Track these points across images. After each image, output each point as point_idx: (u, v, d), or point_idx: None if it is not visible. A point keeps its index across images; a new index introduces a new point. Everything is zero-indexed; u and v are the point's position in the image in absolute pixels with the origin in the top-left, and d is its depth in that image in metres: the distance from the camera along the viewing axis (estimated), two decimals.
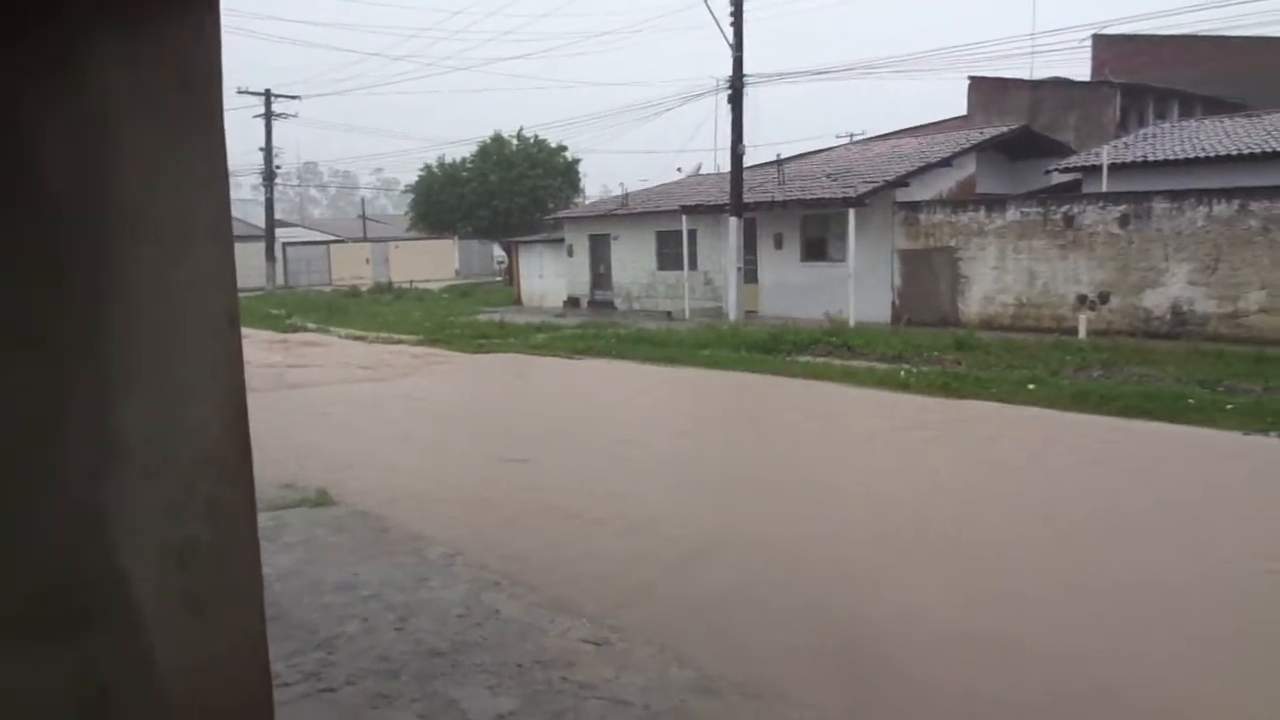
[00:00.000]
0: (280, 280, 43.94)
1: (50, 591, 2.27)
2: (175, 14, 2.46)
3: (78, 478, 2.30)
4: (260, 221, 43.40)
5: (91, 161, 2.32)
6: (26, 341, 2.24)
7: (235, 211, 2.77)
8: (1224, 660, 4.45)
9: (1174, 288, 16.57)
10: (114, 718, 2.37)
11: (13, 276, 2.22)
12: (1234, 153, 18.58)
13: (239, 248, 2.75)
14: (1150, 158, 20.00)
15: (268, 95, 40.07)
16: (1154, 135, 22.44)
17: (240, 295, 2.65)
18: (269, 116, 40.29)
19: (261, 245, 41.10)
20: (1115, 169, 19.73)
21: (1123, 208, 17.22)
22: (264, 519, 5.25)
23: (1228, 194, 16.06)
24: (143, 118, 2.40)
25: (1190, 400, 10.51)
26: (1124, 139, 23.11)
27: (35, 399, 2.25)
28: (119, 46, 2.34)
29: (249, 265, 37.15)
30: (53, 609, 2.27)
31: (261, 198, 43.14)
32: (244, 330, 2.63)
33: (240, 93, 38.55)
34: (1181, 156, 19.37)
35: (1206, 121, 22.97)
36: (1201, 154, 19.13)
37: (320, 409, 12.13)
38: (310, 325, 25.28)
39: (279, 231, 45.16)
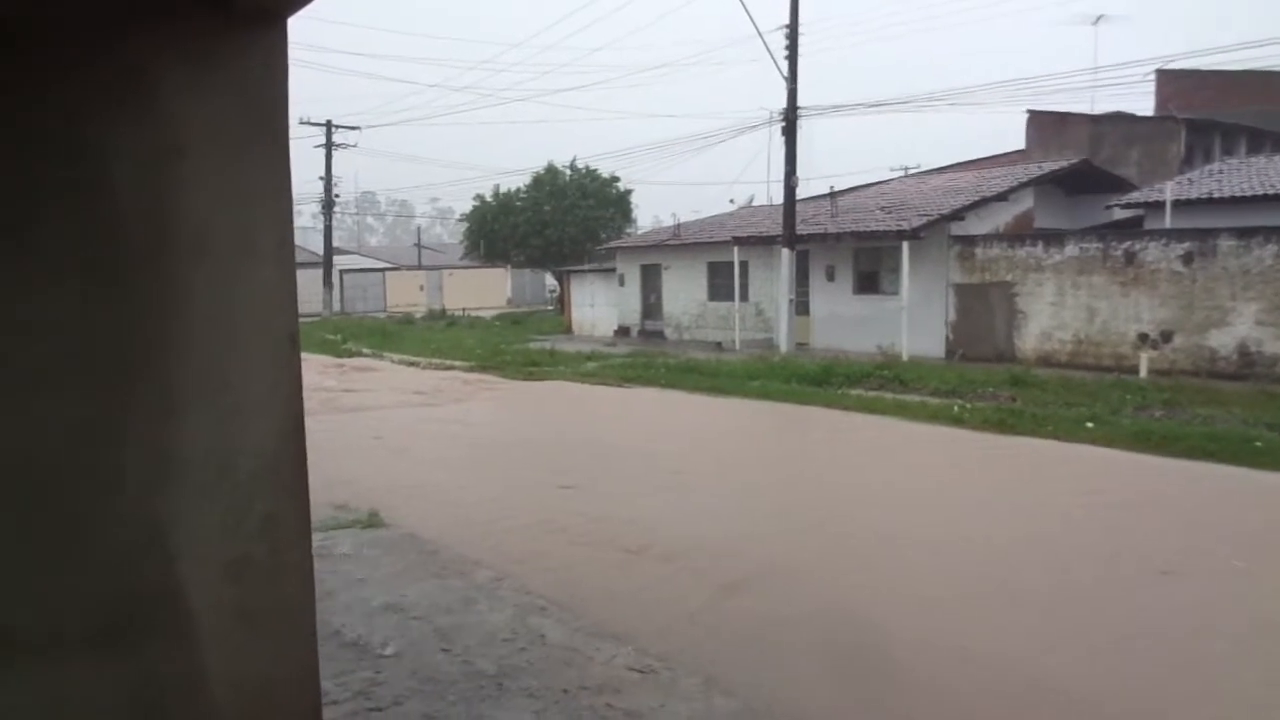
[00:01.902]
0: (336, 306, 44.79)
1: (109, 602, 2.32)
2: (244, 43, 2.53)
3: (137, 491, 2.35)
4: (319, 249, 44.33)
5: (158, 184, 2.39)
6: (91, 356, 2.30)
7: (295, 238, 2.83)
8: None
9: (1241, 327, 16.11)
10: None
11: (79, 294, 2.29)
12: None
13: (298, 274, 2.81)
14: (1216, 194, 19.55)
15: (329, 126, 41.07)
16: (1220, 171, 21.95)
17: (297, 299, 2.70)
18: (329, 146, 41.26)
19: (319, 272, 41.96)
20: (1179, 205, 19.32)
21: (1187, 245, 16.83)
22: (317, 538, 5.32)
23: None
24: (209, 143, 2.47)
25: (1258, 443, 10.17)
26: (1189, 175, 22.64)
27: (98, 413, 2.31)
28: (188, 74, 2.41)
29: (307, 291, 37.82)
30: (112, 619, 2.32)
31: (320, 225, 44.03)
32: (301, 355, 2.68)
33: (303, 123, 39.56)
34: (1249, 193, 18.91)
35: (1276, 158, 22.42)
36: (1270, 191, 18.65)
37: (373, 432, 12.29)
38: (365, 350, 25.69)
39: (336, 258, 46.08)
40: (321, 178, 41.63)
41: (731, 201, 32.09)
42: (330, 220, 42.99)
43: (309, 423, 2.72)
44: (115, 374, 2.34)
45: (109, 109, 2.31)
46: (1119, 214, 21.78)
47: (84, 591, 2.30)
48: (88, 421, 2.30)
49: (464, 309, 44.56)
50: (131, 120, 2.35)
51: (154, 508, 2.37)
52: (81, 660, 2.28)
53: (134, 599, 2.35)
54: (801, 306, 23.08)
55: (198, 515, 2.44)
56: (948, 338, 20.50)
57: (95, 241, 2.31)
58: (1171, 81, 31.22)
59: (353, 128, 41.77)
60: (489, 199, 43.27)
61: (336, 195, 42.93)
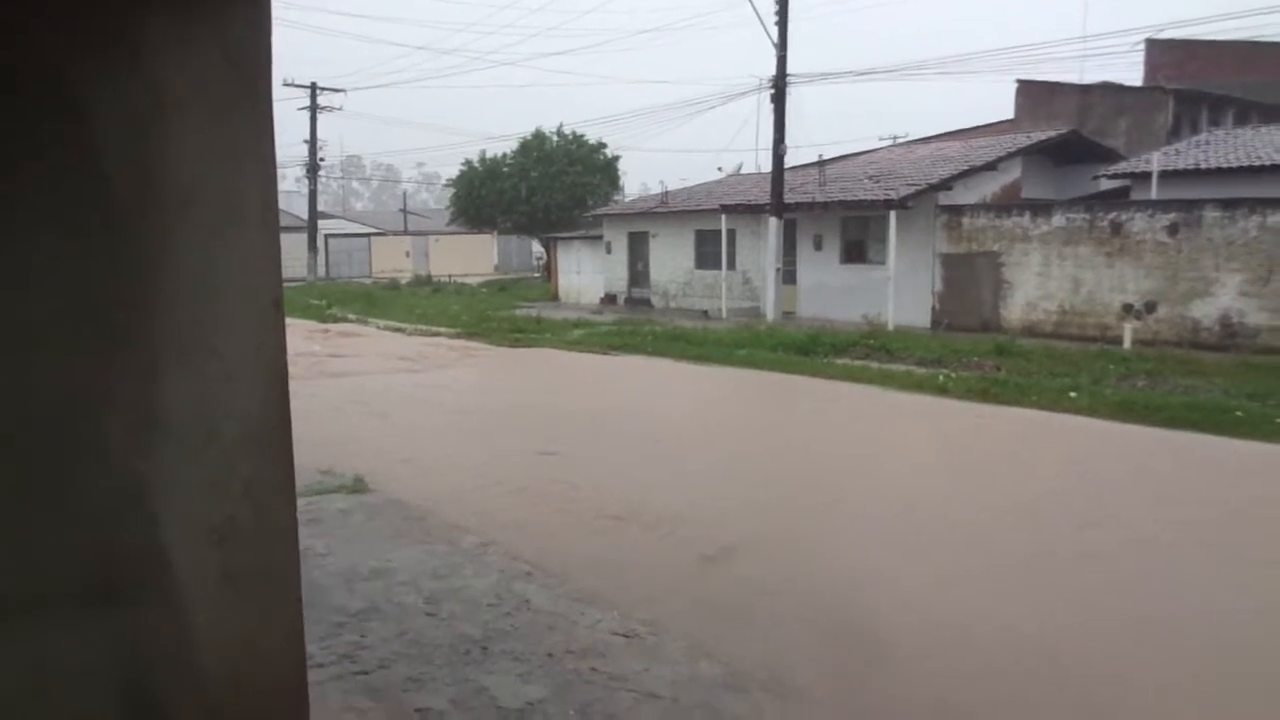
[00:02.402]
0: (321, 271, 44.47)
1: (94, 564, 2.31)
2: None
3: (122, 454, 2.34)
4: (303, 213, 43.93)
5: (143, 143, 2.35)
6: (74, 318, 2.28)
7: (279, 202, 2.80)
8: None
9: (1224, 298, 16.22)
10: (154, 689, 2.41)
11: (63, 256, 2.26)
12: None
13: (282, 238, 2.79)
14: (1203, 165, 19.60)
15: (313, 88, 40.54)
16: (1207, 142, 21.99)
17: (281, 262, 2.68)
18: (314, 109, 40.76)
19: (304, 236, 41.61)
20: (1166, 176, 19.36)
21: (1172, 216, 16.89)
22: (301, 503, 5.32)
23: None
24: (193, 99, 2.43)
25: (1239, 413, 10.28)
26: (1176, 145, 22.67)
27: (83, 375, 2.29)
28: (171, 27, 2.37)
29: (291, 256, 37.60)
30: (96, 582, 2.32)
31: (305, 190, 43.62)
32: (286, 319, 2.66)
33: (286, 85, 39.07)
34: (1235, 165, 18.96)
35: (1262, 130, 22.46)
36: (1256, 162, 18.71)
37: (358, 398, 12.26)
38: (350, 316, 25.57)
39: (321, 223, 45.68)
40: (306, 141, 41.17)
41: (720, 169, 32.00)
42: (315, 184, 42.57)
43: (294, 387, 2.71)
44: (98, 336, 2.32)
45: (91, 66, 2.27)
46: (1106, 184, 21.82)
47: (68, 554, 2.29)
48: (70, 383, 2.28)
49: (450, 275, 44.33)
50: (114, 78, 2.31)
51: (138, 471, 2.36)
52: (66, 622, 2.28)
53: (118, 562, 2.35)
54: (788, 275, 23.08)
55: (182, 479, 2.44)
56: (933, 307, 20.56)
57: (77, 202, 2.28)
58: (1160, 51, 31.17)
59: (338, 90, 41.31)
60: (476, 164, 42.94)
61: (321, 159, 42.48)
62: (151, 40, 2.34)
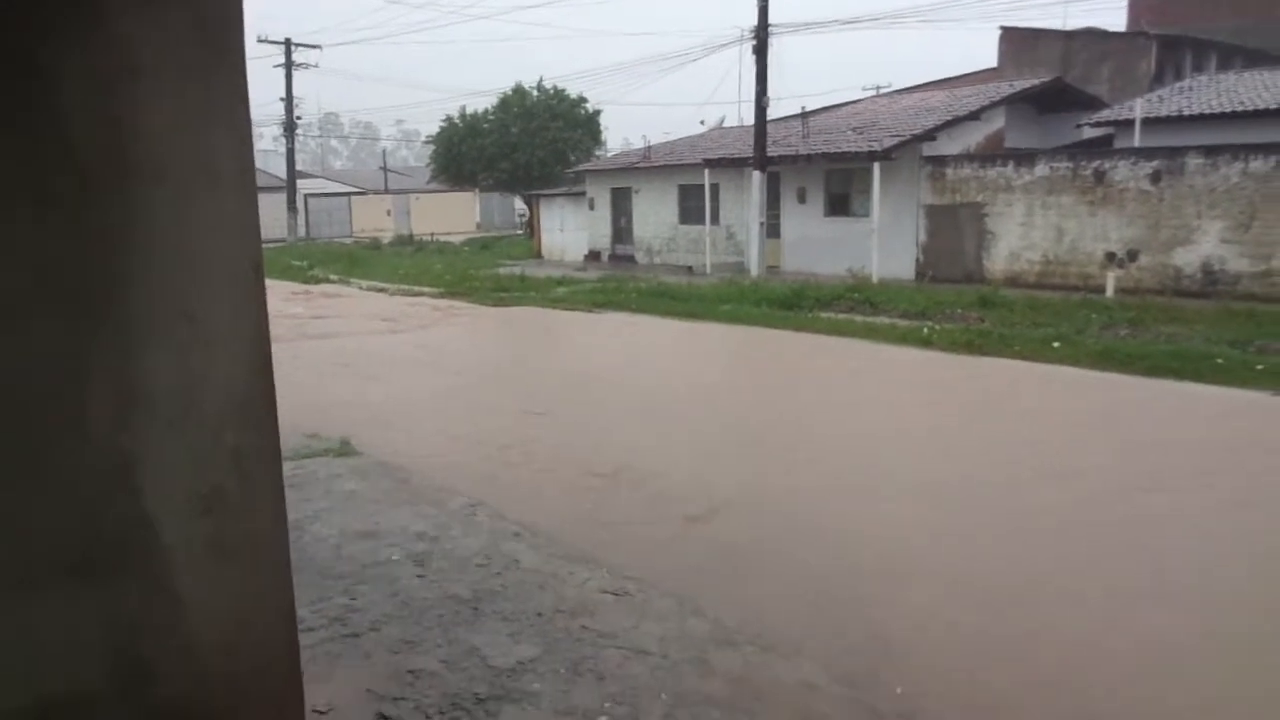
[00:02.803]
0: (301, 232, 44.03)
1: (81, 536, 2.30)
2: None
3: (103, 427, 2.31)
4: (281, 172, 43.34)
5: (112, 107, 2.30)
6: (49, 291, 2.24)
7: (256, 162, 2.75)
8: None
9: (1205, 246, 16.28)
10: (143, 660, 2.41)
11: (34, 226, 2.21)
12: (1273, 106, 18.11)
13: (260, 198, 2.74)
14: (1186, 112, 19.55)
15: (288, 44, 39.78)
16: (1190, 88, 21.91)
17: (262, 246, 2.65)
18: (289, 66, 40.03)
19: (282, 196, 41.11)
20: (1149, 123, 19.31)
21: (1155, 163, 16.88)
22: (288, 467, 5.32)
23: (1264, 149, 15.69)
24: (163, 62, 2.37)
25: (1219, 360, 10.38)
26: (1159, 92, 22.60)
27: (59, 349, 2.26)
28: None
29: (270, 217, 37.20)
30: (83, 554, 2.31)
31: (282, 148, 42.98)
32: (266, 282, 2.63)
33: (260, 41, 38.33)
34: (1218, 110, 18.93)
35: (1245, 74, 22.38)
36: (1239, 108, 18.68)
37: (342, 360, 12.21)
38: (332, 277, 25.38)
39: (300, 183, 45.13)
40: (282, 99, 40.48)
41: (702, 123, 31.66)
42: (292, 143, 41.98)
43: (277, 350, 2.69)
44: (74, 307, 2.28)
45: (57, 29, 2.21)
46: (1089, 132, 21.75)
47: (54, 526, 2.28)
48: (49, 355, 2.25)
49: (432, 234, 43.98)
50: (81, 41, 2.24)
51: (121, 442, 2.34)
52: (54, 594, 2.28)
53: (105, 535, 2.34)
54: (772, 229, 23.00)
55: (166, 450, 2.42)
56: (918, 259, 20.57)
57: (48, 170, 2.23)
58: None
59: (313, 46, 40.55)
60: (456, 121, 42.38)
61: (298, 117, 41.81)
62: (117, 3, 2.27)
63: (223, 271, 2.52)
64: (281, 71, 40.07)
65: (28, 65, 2.19)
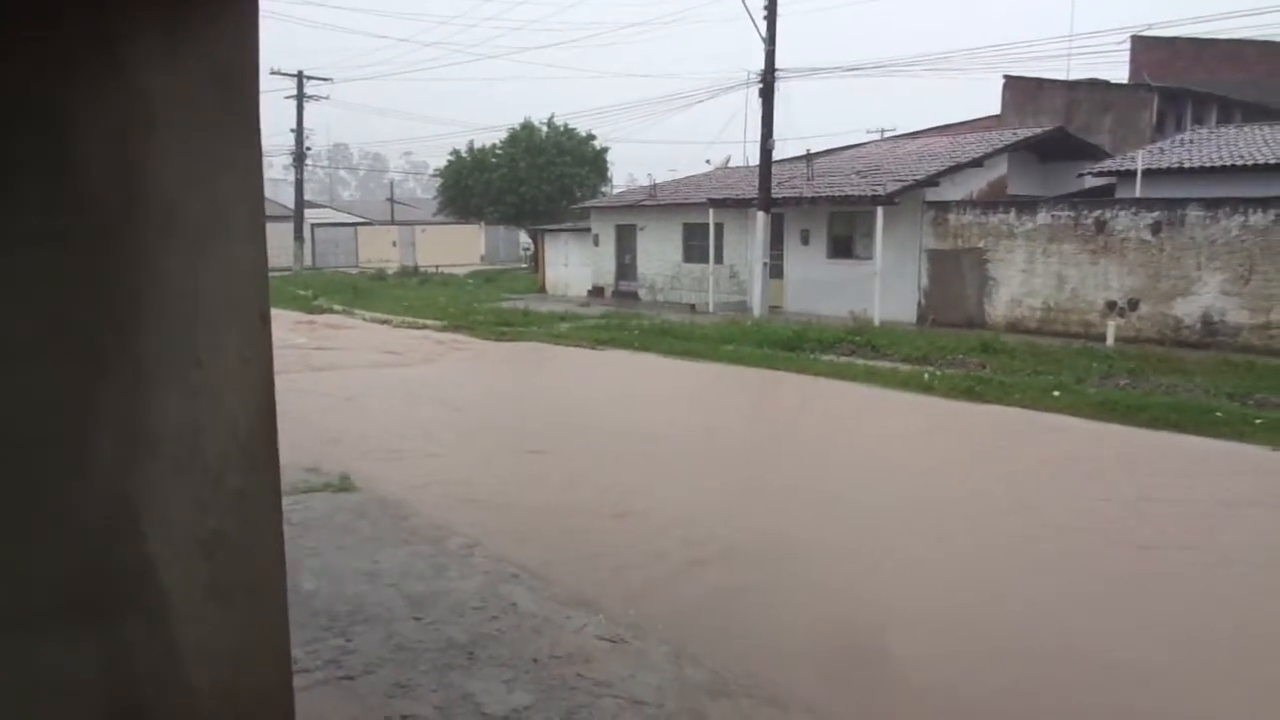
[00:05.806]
0: (308, 261, 44.25)
1: (82, 579, 2.32)
2: (215, 9, 2.48)
3: (109, 470, 2.34)
4: (290, 202, 43.67)
5: (129, 159, 2.34)
6: (61, 331, 2.27)
7: (265, 191, 2.80)
8: None
9: (1205, 297, 16.34)
10: (141, 703, 2.42)
11: (50, 272, 2.25)
12: (1272, 161, 18.27)
13: (268, 228, 2.79)
14: (1186, 164, 19.71)
15: (300, 77, 40.25)
16: (1191, 141, 22.11)
17: (269, 275, 2.68)
18: (301, 98, 40.48)
19: (290, 226, 41.35)
20: (1150, 174, 19.47)
21: (1156, 214, 17.00)
22: (287, 503, 5.31)
23: (1264, 203, 15.81)
24: (181, 115, 2.42)
25: (1218, 413, 10.38)
26: (1160, 144, 22.79)
27: (70, 391, 2.29)
28: (159, 42, 2.36)
29: (278, 246, 37.36)
30: (84, 596, 2.32)
31: (292, 178, 43.36)
32: (271, 310, 2.66)
33: (273, 74, 38.76)
34: (1218, 164, 19.08)
35: (1245, 128, 22.59)
36: (1239, 161, 18.83)
37: (344, 393, 12.23)
38: (336, 307, 25.47)
39: (308, 212, 45.42)
40: (293, 130, 40.88)
41: (708, 162, 31.90)
42: (301, 173, 42.32)
43: (279, 381, 2.72)
44: (85, 349, 2.31)
45: (78, 79, 2.26)
46: (1091, 182, 21.92)
47: (56, 567, 2.29)
48: (58, 396, 2.28)
49: (437, 266, 44.18)
50: (100, 91, 2.29)
51: (125, 484, 2.36)
52: (54, 635, 2.29)
53: (106, 575, 2.35)
54: (775, 270, 23.11)
55: (170, 493, 2.44)
56: (920, 303, 20.64)
57: (64, 214, 2.27)
58: (1147, 50, 31.30)
59: (325, 79, 41.03)
60: (464, 155, 42.74)
61: (308, 148, 42.26)
62: (137, 55, 2.33)
63: (231, 319, 2.56)
64: (293, 103, 40.53)
65: (49, 114, 2.24)
